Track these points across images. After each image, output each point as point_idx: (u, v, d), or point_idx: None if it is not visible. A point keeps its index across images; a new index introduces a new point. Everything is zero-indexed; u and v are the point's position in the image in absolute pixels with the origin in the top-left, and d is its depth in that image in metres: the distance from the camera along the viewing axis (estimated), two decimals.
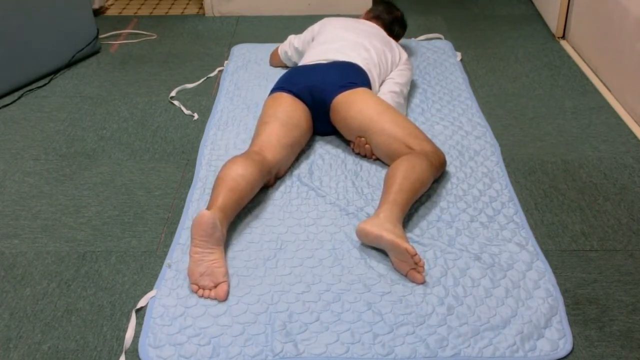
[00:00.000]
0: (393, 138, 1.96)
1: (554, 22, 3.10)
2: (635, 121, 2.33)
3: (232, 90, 2.58)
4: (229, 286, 1.59)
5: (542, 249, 1.74)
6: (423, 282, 1.59)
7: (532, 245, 1.73)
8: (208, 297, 1.56)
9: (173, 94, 2.60)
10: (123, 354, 1.44)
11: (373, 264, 1.66)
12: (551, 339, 1.45)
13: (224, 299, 1.55)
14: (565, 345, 1.44)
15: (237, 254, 1.71)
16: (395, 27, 2.63)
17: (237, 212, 1.75)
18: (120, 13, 3.54)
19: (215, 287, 1.57)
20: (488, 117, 2.38)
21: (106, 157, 2.19)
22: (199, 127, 2.35)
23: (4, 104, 2.54)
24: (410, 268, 1.60)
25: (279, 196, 1.93)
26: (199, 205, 1.90)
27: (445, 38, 3.08)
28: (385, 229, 1.62)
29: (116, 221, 1.87)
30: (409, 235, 1.75)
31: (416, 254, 1.56)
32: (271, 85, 2.56)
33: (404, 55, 2.40)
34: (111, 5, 3.67)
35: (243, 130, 2.28)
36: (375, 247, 1.69)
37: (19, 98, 2.58)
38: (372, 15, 2.63)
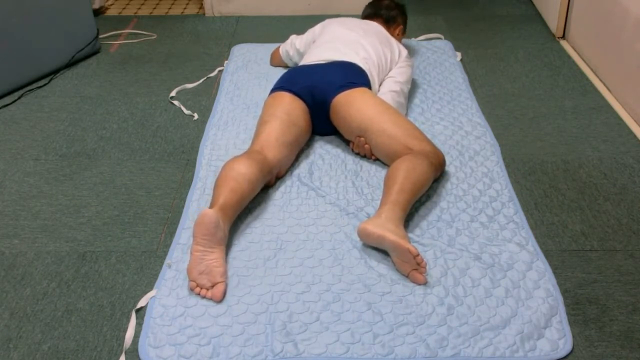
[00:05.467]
0: (393, 138, 1.96)
1: (554, 22, 3.10)
2: (635, 121, 2.33)
3: (232, 90, 2.58)
4: (226, 287, 1.59)
5: (542, 249, 1.73)
6: (425, 283, 1.59)
7: (532, 245, 1.73)
8: (205, 297, 1.56)
9: (173, 94, 2.60)
10: (123, 354, 1.44)
11: (373, 264, 1.66)
12: (551, 339, 1.45)
13: (220, 299, 1.55)
14: (565, 345, 1.44)
15: (237, 254, 1.71)
16: (393, 13, 2.57)
17: (238, 212, 1.75)
18: (120, 13, 3.54)
19: (212, 287, 1.57)
20: (488, 117, 2.38)
21: (106, 157, 2.19)
22: (199, 127, 2.35)
23: (4, 104, 2.54)
24: (412, 269, 1.59)
25: (279, 196, 1.93)
26: (199, 205, 1.90)
27: (445, 38, 3.08)
28: (387, 229, 1.62)
29: (116, 221, 1.87)
30: (409, 235, 1.75)
31: (418, 254, 1.56)
32: (271, 85, 2.55)
33: (404, 51, 2.39)
34: (111, 5, 3.67)
35: (243, 130, 2.28)
36: (375, 247, 1.69)
37: (19, 98, 2.58)
38: (369, 13, 2.60)
